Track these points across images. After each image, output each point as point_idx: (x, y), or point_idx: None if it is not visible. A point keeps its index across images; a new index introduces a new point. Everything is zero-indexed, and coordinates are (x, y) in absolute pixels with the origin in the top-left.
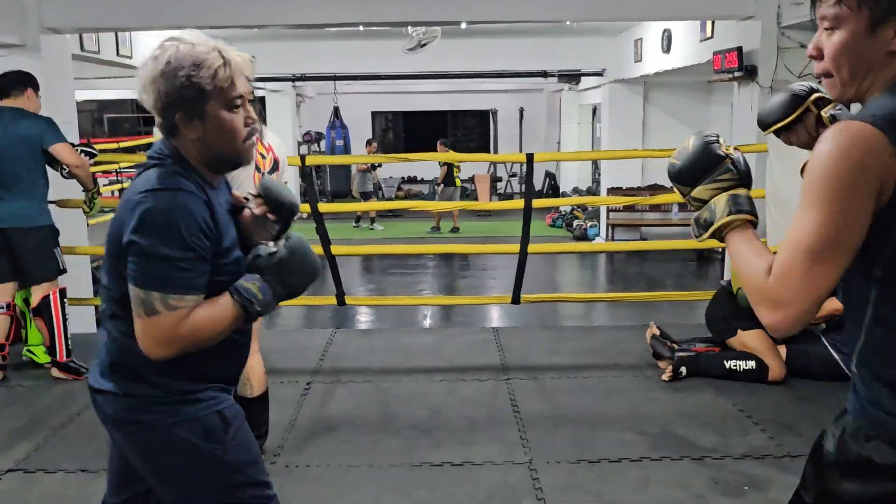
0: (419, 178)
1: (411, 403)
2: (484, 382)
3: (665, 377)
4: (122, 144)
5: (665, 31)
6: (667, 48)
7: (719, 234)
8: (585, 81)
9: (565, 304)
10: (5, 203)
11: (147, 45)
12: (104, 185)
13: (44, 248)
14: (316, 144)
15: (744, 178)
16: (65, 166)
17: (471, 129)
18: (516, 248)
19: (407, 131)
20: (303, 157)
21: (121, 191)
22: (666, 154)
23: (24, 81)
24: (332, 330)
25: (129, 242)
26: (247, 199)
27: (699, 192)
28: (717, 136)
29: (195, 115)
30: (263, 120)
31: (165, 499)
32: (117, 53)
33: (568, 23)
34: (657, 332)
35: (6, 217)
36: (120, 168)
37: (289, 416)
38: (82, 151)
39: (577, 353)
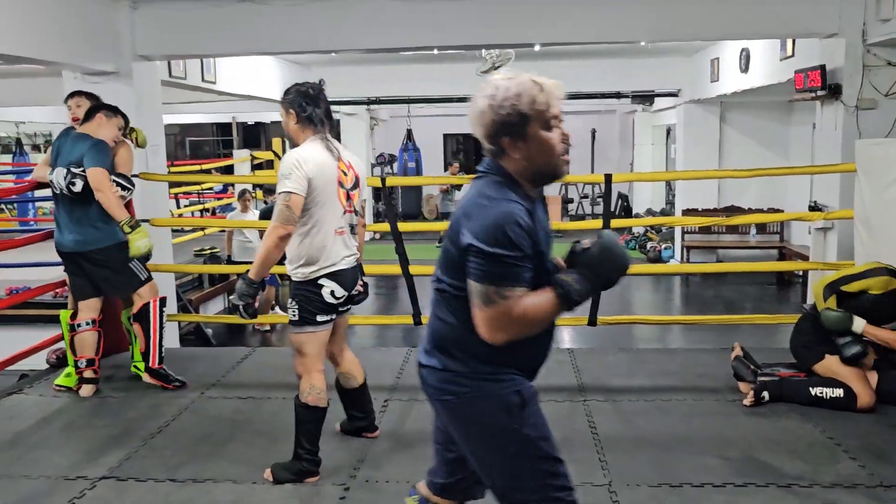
0: None
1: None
2: (560, 403)
3: (747, 402)
4: (203, 167)
5: (743, 50)
6: (745, 67)
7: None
8: (659, 102)
9: (639, 326)
10: (70, 230)
11: (229, 71)
12: (185, 206)
13: (116, 266)
14: (389, 166)
15: None
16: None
17: None
18: None
19: (477, 153)
20: (383, 179)
21: (202, 211)
22: (744, 174)
23: (95, 107)
24: (407, 348)
25: (468, 245)
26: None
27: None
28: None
29: (519, 137)
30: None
31: (474, 463)
32: (202, 79)
33: (642, 43)
34: (741, 354)
35: (74, 244)
36: (202, 189)
37: None
38: (115, 182)
39: (655, 375)
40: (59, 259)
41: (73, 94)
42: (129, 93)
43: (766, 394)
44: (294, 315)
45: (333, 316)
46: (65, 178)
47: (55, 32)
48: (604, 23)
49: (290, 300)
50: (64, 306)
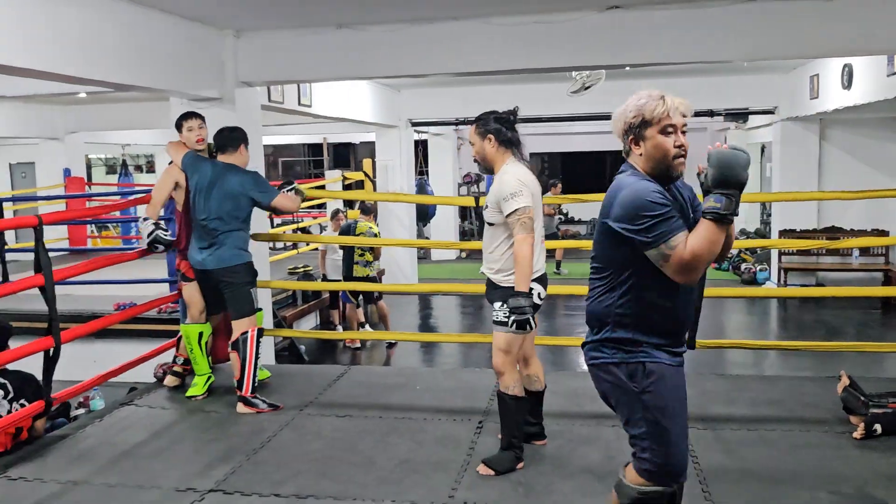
0: (577, 219)
1: (584, 447)
2: None
3: (857, 435)
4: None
5: (846, 66)
6: (847, 84)
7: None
8: (754, 119)
9: (733, 351)
10: (214, 249)
11: (323, 95)
12: (278, 225)
13: (240, 287)
14: (475, 186)
15: None
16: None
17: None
18: None
19: (565, 172)
20: (477, 199)
21: (296, 230)
22: (850, 196)
23: (238, 138)
24: None
25: (620, 227)
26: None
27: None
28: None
29: (640, 138)
30: (426, 162)
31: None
32: (299, 102)
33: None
34: (848, 383)
35: (213, 261)
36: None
37: (464, 454)
38: (292, 190)
39: (756, 403)
40: (159, 277)
41: (194, 116)
42: (231, 117)
43: (878, 426)
44: (504, 316)
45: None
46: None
47: (165, 62)
48: (698, 43)
49: (498, 303)
50: (167, 321)
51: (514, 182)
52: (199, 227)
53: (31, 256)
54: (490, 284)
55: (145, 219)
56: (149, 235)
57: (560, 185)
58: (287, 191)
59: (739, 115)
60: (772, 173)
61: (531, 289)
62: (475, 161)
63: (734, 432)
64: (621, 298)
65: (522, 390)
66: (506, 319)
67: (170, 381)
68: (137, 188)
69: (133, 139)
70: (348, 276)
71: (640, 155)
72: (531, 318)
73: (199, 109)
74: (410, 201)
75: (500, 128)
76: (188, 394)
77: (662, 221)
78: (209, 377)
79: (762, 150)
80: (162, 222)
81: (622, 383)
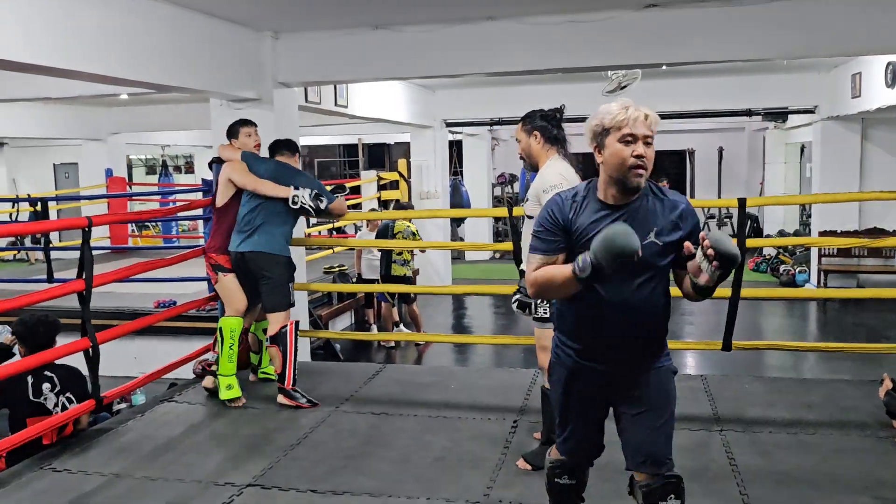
0: None
1: (618, 449)
2: (695, 432)
3: None
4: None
5: (889, 63)
6: (891, 82)
7: None
8: (793, 119)
9: (772, 354)
10: (258, 234)
11: (359, 96)
12: (313, 225)
13: (280, 279)
14: (510, 186)
15: None
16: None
17: (665, 170)
18: (725, 291)
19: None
20: (509, 201)
21: (331, 230)
22: (890, 196)
23: (294, 146)
24: (533, 370)
25: None
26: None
27: None
28: None
29: (601, 146)
30: (460, 162)
31: None
32: (335, 103)
33: (777, 60)
34: (891, 387)
35: (250, 244)
36: None
37: (499, 452)
38: (337, 191)
39: (796, 406)
40: (199, 275)
41: (250, 123)
42: (270, 118)
43: None
44: (545, 313)
45: None
46: (311, 197)
47: (205, 63)
48: (737, 42)
49: (539, 300)
50: (207, 319)
51: (556, 176)
52: (242, 219)
53: (74, 254)
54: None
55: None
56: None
57: (666, 182)
58: (342, 195)
59: (778, 115)
60: (812, 174)
61: None
62: (520, 158)
63: (772, 435)
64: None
65: None
66: (546, 315)
67: (209, 381)
68: (177, 188)
69: (172, 140)
70: (387, 275)
71: (602, 163)
72: (534, 304)
73: (238, 110)
74: (445, 216)
75: (547, 125)
76: (225, 397)
77: (537, 235)
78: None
79: (801, 151)
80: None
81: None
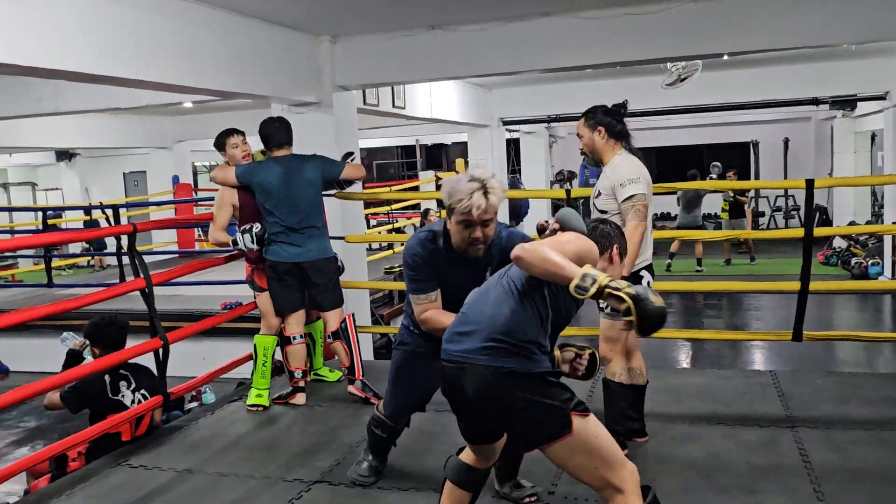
0: (671, 215)
1: (686, 444)
2: (766, 429)
3: None
4: (394, 189)
5: None
6: None
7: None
8: (863, 106)
9: (844, 349)
10: (309, 241)
11: (416, 97)
12: (374, 226)
13: (334, 278)
14: (569, 183)
15: None
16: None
17: (729, 163)
18: (793, 285)
19: (660, 166)
20: (568, 192)
21: (390, 230)
22: None
23: (291, 133)
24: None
25: None
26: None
27: None
28: None
29: (449, 214)
30: (518, 160)
31: None
32: (393, 105)
33: (845, 45)
34: None
35: (310, 252)
36: (391, 210)
37: None
38: (353, 159)
39: (871, 402)
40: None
41: (235, 133)
42: (329, 121)
43: None
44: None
45: None
46: (250, 240)
47: (265, 69)
48: (800, 27)
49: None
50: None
51: (631, 169)
52: (285, 228)
53: (154, 258)
54: None
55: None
56: (252, 241)
57: (733, 174)
58: (350, 160)
59: (847, 103)
60: (883, 162)
61: (642, 276)
62: (582, 153)
63: (847, 432)
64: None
65: (629, 378)
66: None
67: (300, 398)
68: None
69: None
70: None
71: (450, 229)
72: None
73: (298, 114)
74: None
75: (611, 120)
76: (251, 402)
77: (412, 280)
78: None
79: (872, 139)
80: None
81: None
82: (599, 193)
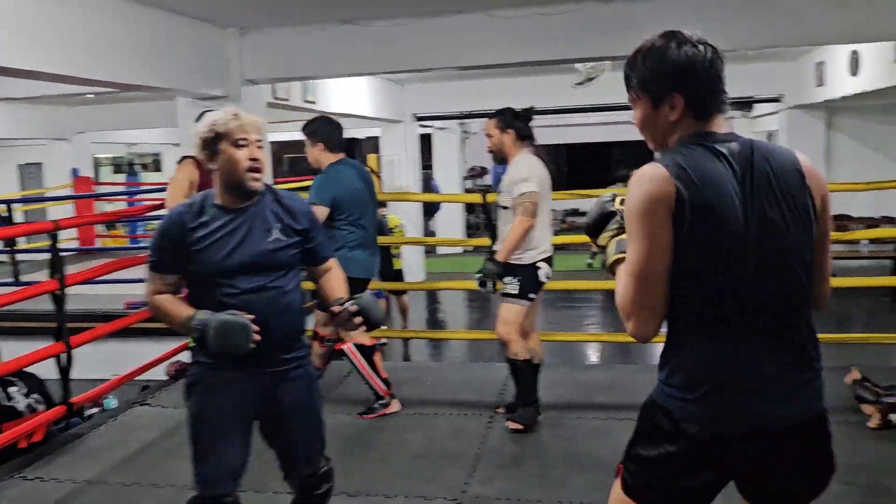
0: (583, 212)
1: (595, 441)
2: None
3: (872, 424)
4: (304, 183)
5: (853, 52)
6: (854, 70)
7: (611, 270)
8: (760, 108)
9: None
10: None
11: (328, 91)
12: None
13: None
14: (480, 178)
15: None
16: None
17: (637, 159)
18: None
19: (569, 164)
20: (484, 194)
21: None
22: (861, 187)
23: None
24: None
25: None
26: (342, 303)
27: (601, 240)
28: (613, 196)
29: (214, 153)
30: (429, 156)
31: None
32: (304, 99)
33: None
34: (859, 377)
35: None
36: None
37: (476, 448)
38: None
39: None
40: None
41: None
42: None
43: (893, 417)
44: (514, 290)
45: (535, 295)
46: None
47: (171, 61)
48: (705, 33)
49: (509, 277)
50: None
51: (525, 169)
52: (368, 231)
53: (39, 256)
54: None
55: None
56: None
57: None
58: None
59: (745, 104)
60: None
61: (538, 267)
62: (490, 151)
63: None
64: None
65: (528, 354)
66: (514, 292)
67: (395, 405)
68: (144, 187)
69: (139, 138)
70: (388, 270)
71: (217, 170)
72: (492, 283)
73: (206, 107)
74: (419, 200)
75: (520, 124)
76: None
77: (154, 252)
78: None
79: (769, 139)
80: None
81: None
82: (501, 191)
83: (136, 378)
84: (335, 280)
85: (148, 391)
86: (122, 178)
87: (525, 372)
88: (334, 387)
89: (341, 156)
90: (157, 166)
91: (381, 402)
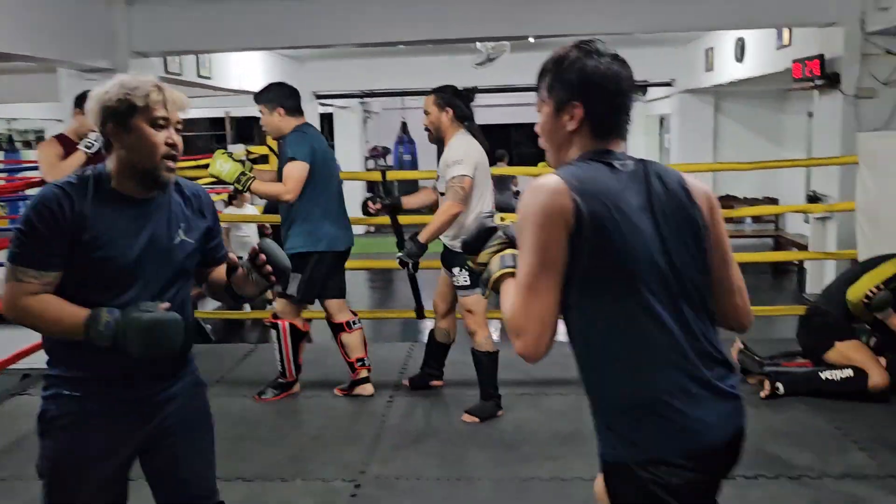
0: None
1: (495, 418)
2: (566, 397)
3: (763, 394)
4: (200, 162)
5: (739, 39)
6: (740, 57)
7: (496, 287)
8: (653, 92)
9: None
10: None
11: (224, 67)
12: None
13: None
14: (383, 159)
15: (511, 241)
16: None
17: (534, 142)
18: None
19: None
20: (384, 173)
21: None
22: (745, 167)
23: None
24: (409, 343)
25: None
26: (240, 258)
27: (482, 257)
28: (492, 212)
29: (124, 127)
30: (331, 136)
31: None
32: (198, 74)
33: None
34: (742, 347)
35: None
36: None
37: (375, 428)
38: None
39: None
40: None
41: None
42: None
43: (780, 385)
44: (465, 281)
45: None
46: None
47: (50, 30)
48: (598, 15)
49: (457, 269)
50: None
51: (460, 151)
52: (336, 197)
53: None
54: (447, 252)
55: None
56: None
57: (507, 159)
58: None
59: (639, 88)
60: (670, 144)
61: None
62: (426, 129)
63: None
64: None
65: (493, 346)
66: (466, 283)
67: (368, 389)
68: (24, 164)
69: (20, 113)
70: None
71: (122, 148)
72: (412, 265)
73: (90, 80)
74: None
75: (460, 104)
76: None
77: (25, 242)
78: None
79: (661, 122)
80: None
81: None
82: (440, 176)
83: (13, 366)
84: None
85: (29, 380)
86: (0, 155)
87: (487, 364)
88: (231, 368)
89: (303, 120)
90: (39, 143)
91: (282, 383)
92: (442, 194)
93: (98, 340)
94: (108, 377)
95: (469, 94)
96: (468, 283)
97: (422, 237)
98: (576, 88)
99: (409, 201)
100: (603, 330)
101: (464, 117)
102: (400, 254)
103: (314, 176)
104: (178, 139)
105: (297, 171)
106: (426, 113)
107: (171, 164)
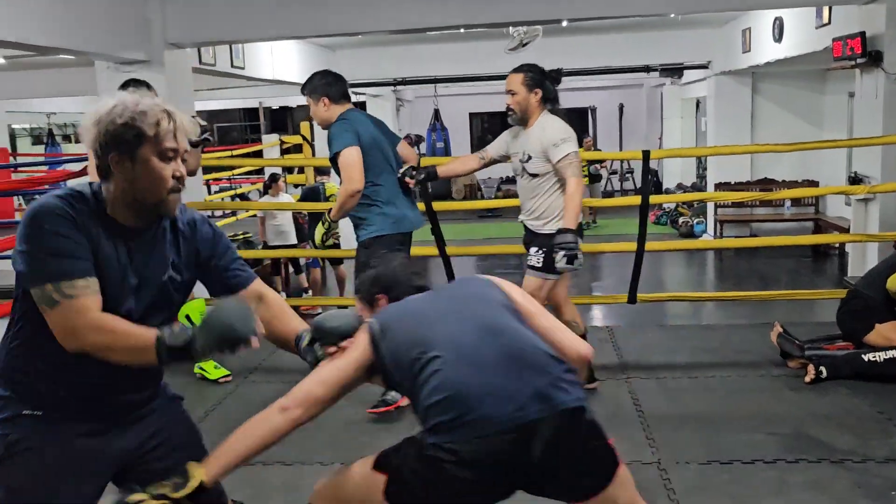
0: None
1: None
2: (603, 381)
3: (808, 379)
4: (235, 153)
5: (776, 19)
6: (778, 37)
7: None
8: (689, 75)
9: (673, 303)
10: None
11: (257, 57)
12: (216, 192)
13: None
14: (416, 147)
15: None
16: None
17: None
18: (630, 245)
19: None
20: (418, 160)
21: (233, 196)
22: (783, 148)
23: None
24: None
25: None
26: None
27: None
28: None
29: (130, 156)
30: None
31: None
32: (231, 65)
33: (672, 15)
34: (782, 331)
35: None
36: (233, 175)
37: (410, 414)
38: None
39: (696, 351)
40: None
41: (134, 83)
42: (160, 81)
43: (823, 369)
44: (538, 263)
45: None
46: None
47: (85, 22)
48: None
49: (534, 248)
50: None
51: (563, 129)
52: (397, 181)
53: None
54: (529, 232)
55: None
56: None
57: (590, 140)
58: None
59: (674, 71)
60: (707, 128)
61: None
62: (509, 111)
63: (676, 380)
64: (13, 342)
65: None
66: (539, 264)
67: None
68: (64, 158)
69: (59, 107)
70: (323, 242)
71: (125, 179)
72: (579, 254)
73: (127, 73)
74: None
75: (549, 83)
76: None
77: (61, 249)
78: None
79: (697, 105)
80: None
81: None
82: (529, 157)
83: None
84: (277, 308)
85: None
86: (41, 149)
87: None
88: (268, 355)
89: (349, 106)
90: (78, 137)
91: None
92: (533, 175)
93: (172, 340)
94: (76, 395)
95: (556, 75)
96: (540, 265)
97: (568, 223)
98: None
99: (443, 170)
100: None
101: (552, 99)
102: (562, 252)
103: (365, 158)
104: (184, 170)
105: (347, 158)
106: (511, 93)
107: (177, 196)
